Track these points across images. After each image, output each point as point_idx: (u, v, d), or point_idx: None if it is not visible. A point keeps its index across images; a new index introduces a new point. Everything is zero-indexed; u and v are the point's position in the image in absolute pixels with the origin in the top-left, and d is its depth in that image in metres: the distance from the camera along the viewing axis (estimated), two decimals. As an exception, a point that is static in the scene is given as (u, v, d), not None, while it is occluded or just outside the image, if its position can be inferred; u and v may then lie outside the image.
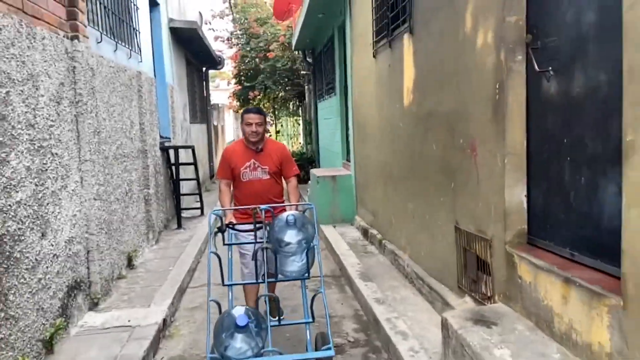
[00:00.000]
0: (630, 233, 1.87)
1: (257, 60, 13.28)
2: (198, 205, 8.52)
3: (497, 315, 2.75)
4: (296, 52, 12.37)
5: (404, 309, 3.80)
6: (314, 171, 8.36)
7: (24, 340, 2.99)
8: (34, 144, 3.30)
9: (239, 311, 2.50)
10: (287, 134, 20.67)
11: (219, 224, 3.22)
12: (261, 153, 3.71)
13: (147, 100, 6.37)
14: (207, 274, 3.00)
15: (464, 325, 2.65)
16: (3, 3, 3.03)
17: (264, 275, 2.92)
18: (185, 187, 8.57)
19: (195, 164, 8.30)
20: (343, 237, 6.47)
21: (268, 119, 13.46)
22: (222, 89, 32.58)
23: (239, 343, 2.47)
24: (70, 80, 3.97)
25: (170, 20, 8.77)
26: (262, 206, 3.16)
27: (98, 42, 4.76)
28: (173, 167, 7.68)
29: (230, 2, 13.87)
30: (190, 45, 10.35)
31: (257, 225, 3.11)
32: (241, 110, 13.39)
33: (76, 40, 4.04)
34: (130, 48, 5.90)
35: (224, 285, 3.02)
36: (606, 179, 2.16)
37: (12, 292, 2.90)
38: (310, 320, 2.97)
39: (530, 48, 2.66)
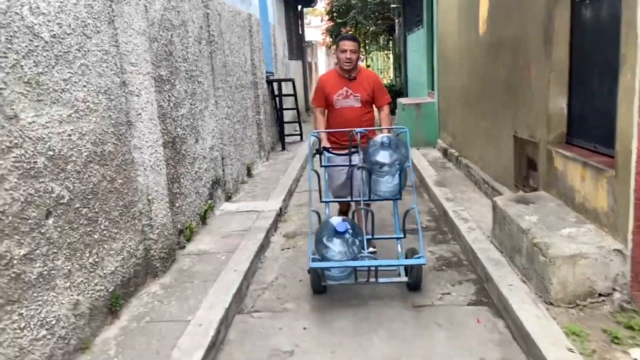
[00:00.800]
0: (621, 122, 2.58)
1: (348, -5, 13.79)
2: (297, 132, 9.71)
3: (536, 197, 3.55)
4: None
5: (469, 205, 4.67)
6: (400, 100, 9.10)
7: (189, 211, 4.34)
8: (188, 73, 4.50)
9: (337, 219, 2.74)
10: (378, 68, 21.07)
11: (316, 147, 3.50)
12: (354, 81, 3.72)
13: (256, 39, 7.45)
14: (308, 189, 3.28)
15: (507, 204, 3.50)
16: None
17: (359, 193, 3.10)
18: (286, 116, 9.76)
19: (295, 95, 9.41)
20: (425, 157, 7.30)
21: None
22: (314, 25, 33.09)
23: (338, 247, 2.69)
24: (205, 24, 5.10)
25: (271, -38, 9.63)
26: (358, 129, 3.27)
27: (221, -9, 5.83)
28: (277, 98, 8.85)
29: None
30: (288, -14, 11.18)
31: (352, 150, 3.25)
32: (334, 46, 14.14)
33: (208, -8, 5.12)
34: (244, -5, 6.94)
35: (321, 201, 3.32)
36: (618, 86, 2.82)
37: (182, 177, 4.20)
38: (402, 236, 3.14)
39: (574, -19, 3.24)
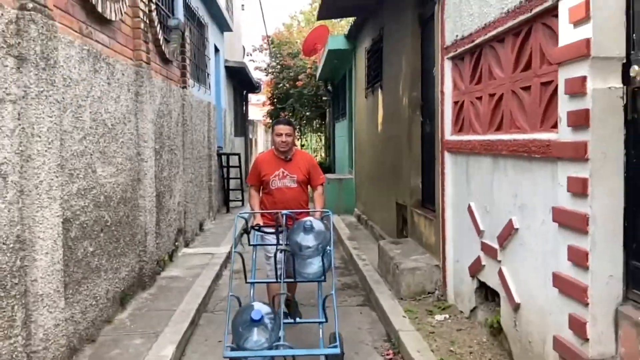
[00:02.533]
0: (437, 191, 4.59)
1: (287, 86, 16.24)
2: (239, 198, 11.39)
3: (404, 241, 5.49)
4: (320, 82, 15.27)
5: (368, 251, 6.53)
6: (327, 175, 11.15)
7: (164, 248, 5.82)
8: (169, 147, 6.18)
9: (255, 306, 2.67)
10: (312, 147, 23.52)
11: (244, 227, 3.57)
12: (290, 162, 3.91)
13: (212, 121, 9.30)
14: (229, 273, 3.24)
15: (385, 244, 5.39)
16: (161, 75, 5.94)
17: (281, 275, 3.13)
18: (231, 184, 11.48)
19: (240, 167, 11.20)
20: (344, 221, 9.22)
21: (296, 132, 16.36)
22: (253, 102, 35.87)
23: (255, 336, 2.64)
24: (182, 111, 6.88)
25: (226, 61, 11.79)
26: (284, 211, 3.39)
27: (192, 87, 7.70)
28: (224, 168, 10.58)
29: (268, 39, 16.92)
30: (237, 76, 13.36)
31: (279, 229, 3.34)
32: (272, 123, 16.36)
33: (185, 89, 6.97)
34: (205, 87, 8.86)
35: (246, 282, 3.32)
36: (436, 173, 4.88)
37: (161, 222, 5.73)
38: (323, 320, 3.12)
39: (421, 108, 5.42)
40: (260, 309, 2.65)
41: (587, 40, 2.26)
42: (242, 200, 11.33)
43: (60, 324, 3.03)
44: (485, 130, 3.55)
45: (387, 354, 3.71)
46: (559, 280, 2.54)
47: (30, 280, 2.79)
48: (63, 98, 3.21)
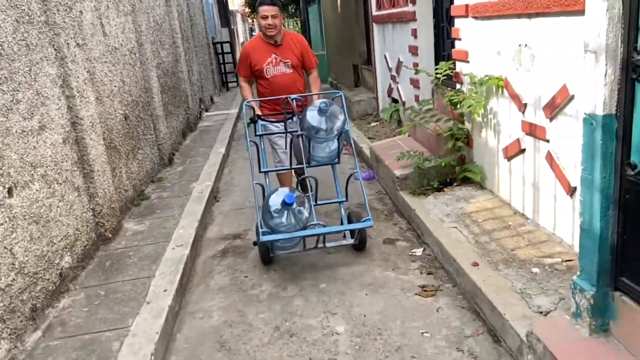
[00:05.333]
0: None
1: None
2: (235, 80, 13.80)
3: (357, 89, 8.17)
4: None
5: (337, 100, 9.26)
6: (304, 54, 13.51)
7: (195, 109, 8.46)
8: (186, 38, 8.50)
9: (284, 191, 2.74)
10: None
11: (250, 116, 3.44)
12: (281, 46, 3.60)
13: (205, 15, 11.41)
14: (249, 162, 3.34)
15: (346, 92, 8.09)
16: None
17: (300, 160, 3.16)
18: (227, 68, 13.83)
19: (232, 52, 13.45)
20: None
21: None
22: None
23: (287, 219, 2.72)
24: (187, 9, 9.06)
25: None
26: (293, 95, 3.26)
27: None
28: (219, 55, 12.85)
29: None
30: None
31: (287, 115, 3.26)
32: (253, 14, 17.96)
33: (187, -9, 9.10)
34: (197, -14, 10.85)
35: (260, 172, 3.30)
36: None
37: (187, 93, 8.30)
38: (344, 199, 3.24)
39: (362, -7, 7.78)
40: (291, 193, 2.71)
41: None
42: (237, 81, 13.74)
43: (170, 131, 5.80)
44: (386, 7, 6.05)
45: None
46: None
47: (154, 110, 5.48)
48: (144, 10, 5.62)
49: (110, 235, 3.60)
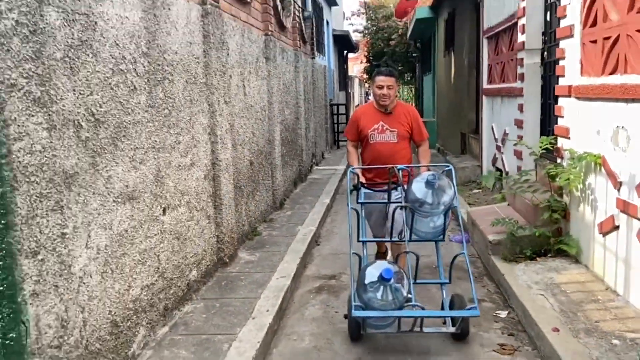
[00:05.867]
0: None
1: (382, 45, 18.95)
2: (346, 138, 14.70)
3: (463, 156, 8.40)
4: (410, 41, 17.79)
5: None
6: (414, 119, 14.07)
7: (307, 163, 9.26)
8: (307, 99, 9.47)
9: (382, 265, 2.59)
10: (403, 98, 26.09)
11: (354, 182, 3.39)
12: (390, 115, 3.60)
13: (326, 80, 12.54)
14: (348, 230, 3.12)
15: (451, 158, 8.34)
16: (303, 53, 9.20)
17: (400, 233, 3.04)
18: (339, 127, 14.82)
19: (346, 113, 14.44)
20: (426, 152, 12.19)
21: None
22: (350, 57, 39.00)
23: (383, 294, 2.55)
24: (311, 74, 10.14)
25: (334, 30, 14.86)
26: (400, 166, 3.19)
27: (316, 57, 10.95)
28: (334, 115, 13.87)
29: (365, 4, 19.62)
30: (340, 41, 16.40)
31: (392, 185, 3.17)
32: (369, 80, 19.24)
33: (313, 59, 10.21)
34: (322, 54, 12.07)
35: (358, 241, 3.18)
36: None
37: (302, 147, 9.14)
38: (447, 281, 3.01)
39: (476, 67, 8.16)
40: (390, 267, 2.55)
41: (523, 42, 5.07)
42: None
43: (284, 179, 6.51)
44: (496, 82, 6.35)
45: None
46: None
47: (274, 160, 6.25)
48: (277, 75, 6.56)
49: (228, 261, 4.21)
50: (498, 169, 6.51)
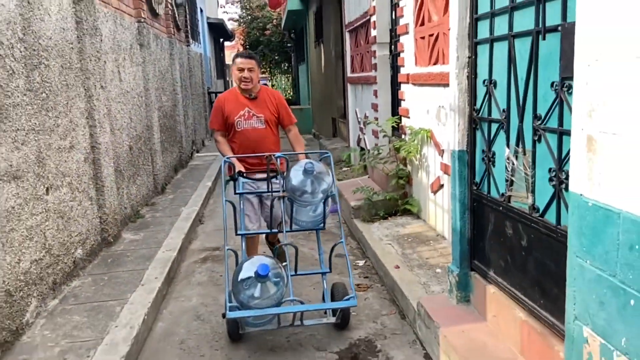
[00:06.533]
0: (345, 105, 8.28)
1: (257, 34, 19.31)
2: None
3: (334, 139, 9.22)
4: (284, 31, 18.40)
5: (315, 147, 10.29)
6: (292, 107, 14.78)
7: (188, 149, 9.40)
8: (184, 87, 9.56)
9: (259, 260, 2.46)
10: (281, 86, 26.75)
11: (230, 173, 3.20)
12: (255, 100, 3.44)
13: (203, 67, 12.61)
14: (223, 224, 2.98)
15: (323, 141, 9.10)
16: (178, 40, 9.25)
17: (279, 224, 2.97)
18: (218, 116, 14.94)
19: (224, 102, 14.65)
20: (304, 137, 12.95)
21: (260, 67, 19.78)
22: (227, 46, 38.78)
23: (260, 292, 2.44)
24: (187, 62, 10.21)
25: (208, 18, 14.87)
26: (277, 154, 3.10)
27: (191, 45, 11.00)
28: (212, 103, 13.97)
29: (239, -7, 19.79)
30: (216, 29, 16.43)
31: (271, 174, 3.01)
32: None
33: (188, 46, 10.28)
34: (197, 42, 12.11)
35: (236, 234, 3.11)
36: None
37: (182, 134, 9.26)
38: (328, 270, 2.97)
39: (341, 57, 9.00)
40: (266, 262, 2.44)
41: (375, 36, 5.88)
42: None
43: (165, 165, 6.67)
44: (357, 71, 7.18)
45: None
46: (374, 133, 6.32)
47: (153, 145, 6.39)
48: (152, 62, 6.66)
49: (112, 240, 4.39)
50: (362, 148, 7.38)
